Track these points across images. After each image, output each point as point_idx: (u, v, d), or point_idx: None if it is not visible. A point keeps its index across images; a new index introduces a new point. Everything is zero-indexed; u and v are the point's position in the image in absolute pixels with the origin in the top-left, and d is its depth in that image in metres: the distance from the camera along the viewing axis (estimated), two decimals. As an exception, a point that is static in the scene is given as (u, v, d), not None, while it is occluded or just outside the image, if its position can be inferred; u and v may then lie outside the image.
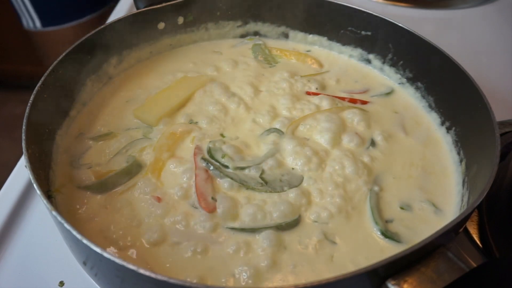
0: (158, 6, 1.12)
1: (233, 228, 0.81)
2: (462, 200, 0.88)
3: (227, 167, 0.90)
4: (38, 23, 2.14)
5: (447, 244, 0.65)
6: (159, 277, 0.58)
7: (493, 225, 0.87)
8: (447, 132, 1.02)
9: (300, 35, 1.26)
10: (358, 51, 1.21)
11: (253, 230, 0.81)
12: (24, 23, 2.20)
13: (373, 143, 0.99)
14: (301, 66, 1.20)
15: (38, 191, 0.70)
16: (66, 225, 0.64)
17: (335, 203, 0.85)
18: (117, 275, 0.66)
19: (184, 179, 0.87)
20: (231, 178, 0.87)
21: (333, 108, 1.04)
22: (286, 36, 1.28)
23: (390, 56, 1.15)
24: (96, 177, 0.89)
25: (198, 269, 0.76)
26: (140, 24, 1.12)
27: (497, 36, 1.55)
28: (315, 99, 1.07)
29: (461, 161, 0.95)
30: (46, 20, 2.12)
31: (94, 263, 0.71)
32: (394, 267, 0.62)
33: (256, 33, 1.28)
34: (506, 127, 1.03)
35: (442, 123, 1.04)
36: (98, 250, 0.62)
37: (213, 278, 0.74)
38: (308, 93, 1.09)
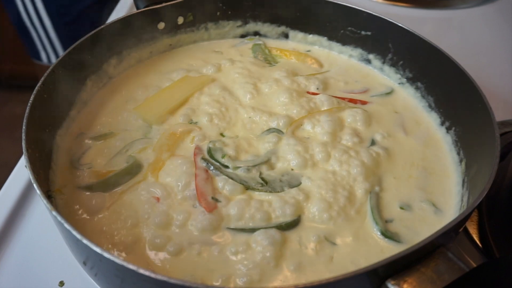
0: (158, 6, 1.12)
1: (233, 229, 0.81)
2: (462, 200, 0.88)
3: (227, 167, 0.90)
4: None
5: (447, 244, 0.65)
6: (159, 277, 0.58)
7: (493, 225, 0.87)
8: (447, 132, 1.02)
9: (300, 35, 1.26)
10: (358, 51, 1.21)
11: (253, 230, 0.80)
12: (44, 58, 2.21)
13: (373, 143, 0.99)
14: (301, 66, 1.20)
15: (38, 191, 0.70)
16: (66, 225, 0.64)
17: (335, 203, 0.85)
18: (117, 275, 0.66)
19: (184, 179, 0.87)
20: (231, 178, 0.87)
21: (333, 108, 1.04)
22: (286, 36, 1.28)
23: (390, 56, 1.15)
24: (96, 177, 0.89)
25: (198, 269, 0.76)
26: (140, 24, 1.12)
27: (497, 36, 1.55)
28: (315, 99, 1.07)
29: (461, 161, 0.95)
30: None
31: (94, 263, 0.71)
32: (394, 267, 0.62)
33: (256, 33, 1.28)
34: (506, 127, 1.03)
35: (442, 123, 1.04)
36: (98, 250, 0.62)
37: (213, 278, 0.74)
38: (308, 93, 1.09)
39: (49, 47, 2.17)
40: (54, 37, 2.12)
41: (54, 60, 2.22)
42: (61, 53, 2.16)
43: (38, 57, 2.26)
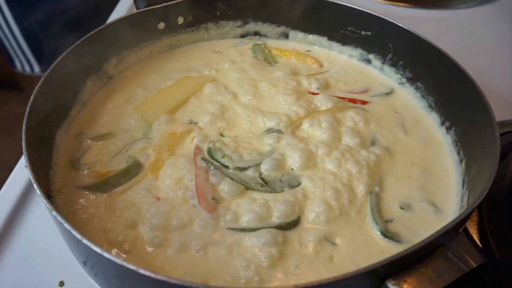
0: (158, 6, 1.12)
1: (233, 229, 0.81)
2: (462, 200, 0.88)
3: (227, 167, 0.90)
4: (36, 68, 2.11)
5: (447, 244, 0.65)
6: (159, 277, 0.58)
7: (493, 225, 0.87)
8: (447, 132, 1.02)
9: (300, 35, 1.26)
10: (358, 51, 1.21)
11: (253, 230, 0.80)
12: (18, 66, 2.15)
13: (373, 143, 0.99)
14: (301, 66, 1.20)
15: (38, 191, 0.70)
16: (66, 225, 0.65)
17: (335, 203, 0.85)
18: (117, 275, 0.66)
19: (184, 179, 0.87)
20: (231, 178, 0.87)
21: (333, 108, 1.04)
22: (286, 36, 1.28)
23: (390, 56, 1.15)
24: (96, 177, 0.89)
25: (198, 269, 0.76)
26: (140, 24, 1.12)
27: (497, 36, 1.55)
28: (315, 99, 1.07)
29: (461, 161, 0.95)
30: (45, 65, 2.08)
31: (94, 263, 0.71)
32: (394, 267, 0.62)
33: (256, 33, 1.28)
34: (506, 127, 1.04)
35: (442, 123, 1.04)
36: (98, 250, 0.62)
37: (213, 278, 0.74)
38: (308, 93, 1.09)
39: (21, 56, 2.10)
40: (24, 46, 2.06)
41: (28, 69, 2.14)
42: (33, 62, 2.10)
43: (14, 65, 2.18)
